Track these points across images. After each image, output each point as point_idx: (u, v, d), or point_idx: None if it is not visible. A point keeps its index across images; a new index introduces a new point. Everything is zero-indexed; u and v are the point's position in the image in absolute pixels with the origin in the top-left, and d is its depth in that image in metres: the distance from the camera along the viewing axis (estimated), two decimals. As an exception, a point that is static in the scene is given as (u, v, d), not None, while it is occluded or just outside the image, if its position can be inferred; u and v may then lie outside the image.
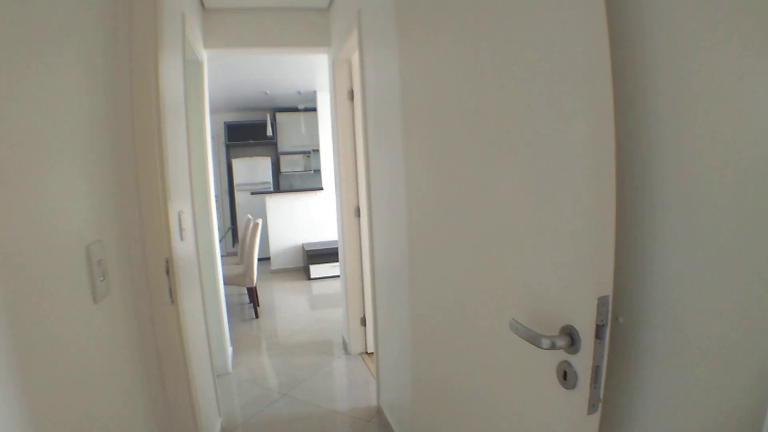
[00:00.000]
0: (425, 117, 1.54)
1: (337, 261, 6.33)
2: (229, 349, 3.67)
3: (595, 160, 0.81)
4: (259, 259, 5.30)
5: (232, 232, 8.54)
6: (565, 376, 0.94)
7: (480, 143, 1.17)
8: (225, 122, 8.19)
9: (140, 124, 1.34)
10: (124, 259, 1.28)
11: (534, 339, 0.94)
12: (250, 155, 8.38)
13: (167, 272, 1.40)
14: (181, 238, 2.05)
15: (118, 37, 1.33)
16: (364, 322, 3.70)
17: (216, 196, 8.42)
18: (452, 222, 1.37)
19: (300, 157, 8.44)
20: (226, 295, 5.57)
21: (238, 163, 8.13)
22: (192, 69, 3.16)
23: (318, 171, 8.04)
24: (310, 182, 8.58)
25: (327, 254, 6.38)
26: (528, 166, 0.99)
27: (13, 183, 0.78)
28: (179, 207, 2.07)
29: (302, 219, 6.96)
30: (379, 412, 2.85)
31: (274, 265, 7.00)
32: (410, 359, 2.06)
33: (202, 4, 3.26)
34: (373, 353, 3.72)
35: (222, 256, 5.55)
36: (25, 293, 0.79)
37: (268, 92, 6.89)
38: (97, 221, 1.12)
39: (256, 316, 4.81)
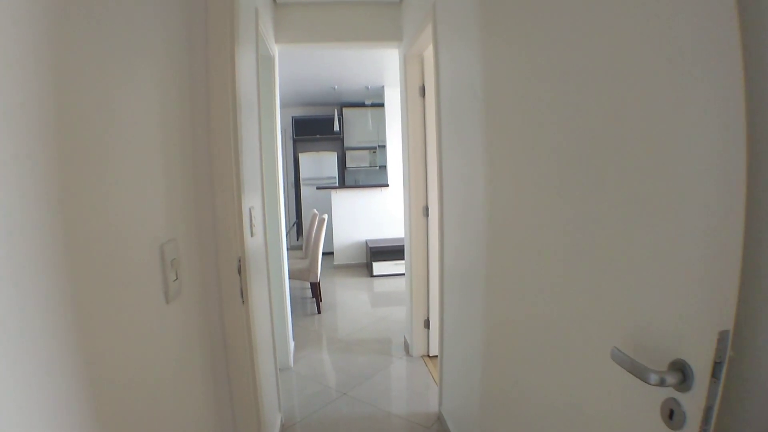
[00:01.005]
0: (515, 118, 1.42)
1: (400, 259, 6.28)
2: (291, 344, 3.68)
3: (723, 171, 0.68)
4: (323, 254, 5.34)
5: (297, 226, 8.67)
6: (671, 415, 0.82)
7: (580, 147, 1.05)
8: (293, 117, 8.31)
9: (216, 121, 1.32)
10: (196, 257, 1.26)
11: (640, 372, 0.82)
12: (317, 150, 8.46)
13: (239, 271, 1.38)
14: (252, 234, 2.04)
15: (194, 33, 1.31)
16: (427, 324, 3.62)
17: (283, 190, 8.63)
18: (544, 232, 1.26)
19: (366, 152, 8.44)
20: (290, 289, 5.67)
21: (304, 158, 8.24)
22: (264, 64, 3.17)
23: (383, 167, 8.01)
24: (375, 178, 8.56)
25: (390, 252, 6.33)
26: (639, 178, 0.87)
27: (90, 181, 0.75)
28: (251, 203, 2.06)
29: (366, 215, 6.96)
30: (440, 419, 2.76)
31: (337, 260, 7.04)
32: (480, 369, 1.95)
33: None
34: (435, 357, 3.64)
35: (287, 249, 5.62)
36: (99, 293, 0.76)
37: (336, 87, 6.92)
38: (172, 220, 1.10)
39: (318, 312, 4.83)
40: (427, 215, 3.40)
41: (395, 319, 4.60)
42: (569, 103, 1.09)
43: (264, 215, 2.46)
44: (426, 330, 3.65)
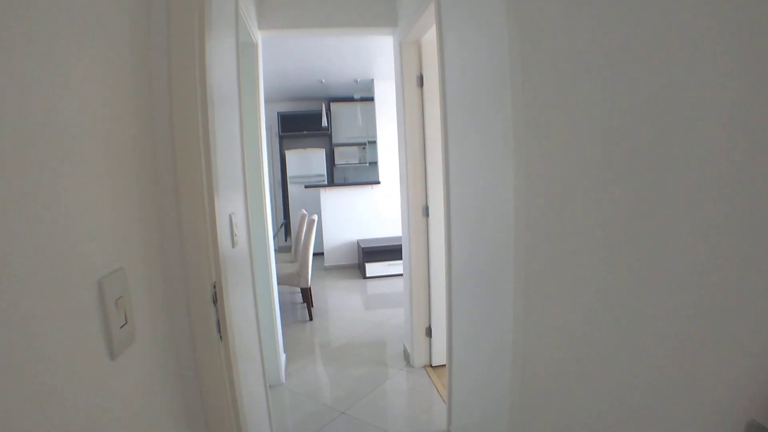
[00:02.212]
0: (566, 104, 1.15)
1: (394, 259, 6.01)
2: (282, 357, 3.40)
3: None
4: (313, 255, 5.03)
5: (285, 227, 8.36)
6: None
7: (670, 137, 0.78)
8: (278, 112, 7.98)
9: (180, 117, 1.02)
10: (158, 288, 0.97)
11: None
12: (304, 147, 8.14)
13: (214, 300, 1.09)
14: (233, 245, 1.76)
15: (152, 11, 1.01)
16: (429, 332, 3.34)
17: (270, 190, 8.30)
18: (612, 239, 0.99)
19: (355, 149, 8.13)
20: (279, 295, 5.36)
21: (291, 155, 7.91)
22: (246, 52, 2.87)
23: (374, 164, 7.71)
24: (365, 175, 8.27)
25: (383, 252, 6.05)
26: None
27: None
28: (231, 208, 1.78)
29: (357, 214, 6.67)
30: (450, 439, 2.50)
31: (328, 261, 6.75)
32: (508, 385, 1.66)
33: (258, -20, 2.97)
34: (439, 367, 3.37)
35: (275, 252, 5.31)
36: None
37: (324, 81, 6.61)
38: (120, 241, 0.81)
39: (310, 318, 4.54)
40: (428, 215, 3.13)
41: (393, 324, 4.32)
42: (652, 85, 0.82)
43: (248, 219, 2.17)
44: (428, 338, 3.38)
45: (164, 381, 0.97)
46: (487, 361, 1.89)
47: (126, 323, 0.78)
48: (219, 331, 1.10)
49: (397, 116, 3.35)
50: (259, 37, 3.01)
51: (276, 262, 4.73)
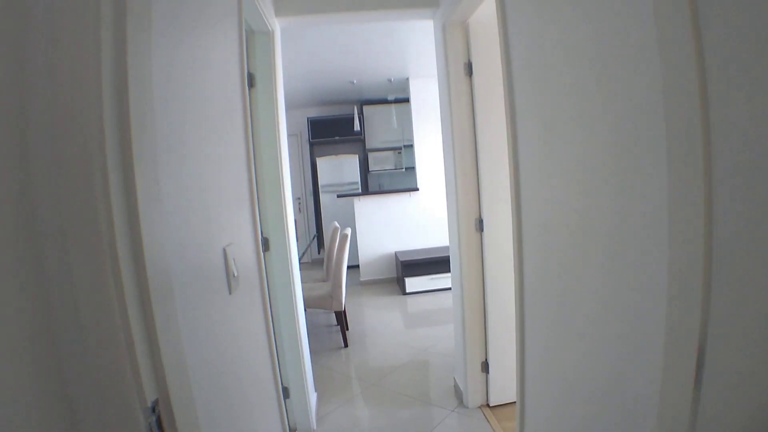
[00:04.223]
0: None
1: (436, 273, 5.48)
2: (313, 397, 2.91)
3: None
4: (348, 267, 4.52)
5: (317, 240, 7.93)
6: None
7: None
8: (308, 118, 7.56)
9: (72, 130, 0.55)
10: None
11: None
12: (336, 153, 7.70)
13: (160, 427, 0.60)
14: (230, 291, 1.28)
15: None
16: (486, 367, 2.80)
17: (299, 200, 7.90)
18: None
19: (390, 153, 7.63)
20: (308, 316, 4.88)
21: (322, 163, 7.47)
22: (259, 42, 2.41)
23: (411, 168, 7.20)
24: (402, 182, 7.76)
25: (424, 264, 5.52)
26: None
27: None
28: (226, 239, 1.30)
29: (395, 223, 6.16)
30: None
31: (364, 275, 6.26)
32: None
33: (273, -43, 2.51)
34: (498, 407, 2.82)
35: (301, 262, 4.85)
36: None
37: (355, 82, 6.14)
38: None
39: (345, 345, 4.04)
40: (482, 230, 2.59)
41: (439, 350, 3.78)
42: None
43: (257, 241, 1.69)
44: (484, 374, 2.83)
45: None
46: (580, 414, 1.34)
47: None
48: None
49: (441, 112, 2.83)
50: (276, 24, 2.55)
51: (304, 282, 4.27)
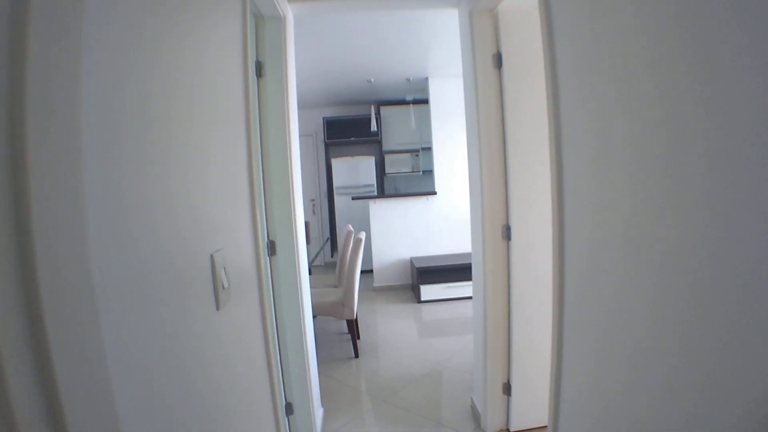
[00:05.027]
0: None
1: (453, 281, 5.25)
2: (319, 413, 2.70)
3: None
4: (361, 272, 4.28)
5: (331, 243, 7.73)
6: None
7: None
8: (324, 117, 7.37)
9: None
10: None
11: None
12: (352, 154, 7.50)
13: None
14: (218, 306, 1.07)
15: None
16: (508, 389, 2.56)
17: (313, 201, 7.71)
18: None
19: (408, 156, 7.41)
20: (318, 323, 4.67)
21: (338, 164, 7.27)
22: (269, 27, 2.21)
23: (428, 172, 6.97)
24: (419, 185, 7.54)
25: (440, 271, 5.28)
26: None
27: None
28: (215, 243, 1.09)
29: (411, 228, 5.93)
30: None
31: (378, 281, 6.03)
32: None
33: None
34: (520, 438, 2.59)
35: (314, 266, 4.66)
36: None
37: (373, 80, 5.94)
38: None
39: (356, 355, 3.82)
40: (510, 238, 2.35)
41: (455, 365, 3.54)
42: None
43: (258, 245, 1.48)
44: (505, 396, 2.59)
45: None
46: None
47: None
48: None
49: (466, 108, 2.60)
50: (288, 10, 2.34)
51: (315, 287, 4.05)
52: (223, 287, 1.07)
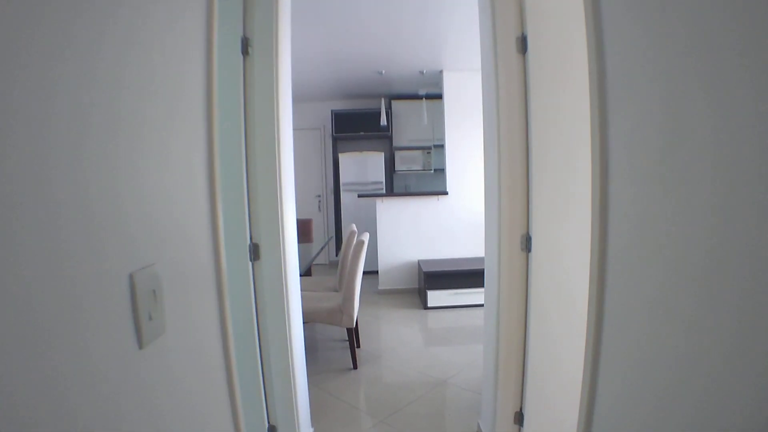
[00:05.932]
0: None
1: (461, 287, 4.95)
2: (309, 435, 2.42)
3: None
4: (364, 272, 3.98)
5: (336, 241, 7.45)
6: None
7: None
8: (332, 110, 7.09)
9: None
10: None
11: None
12: (360, 150, 7.21)
13: None
14: (141, 344, 0.78)
15: None
16: (520, 419, 2.26)
17: (319, 198, 7.43)
18: None
19: (419, 153, 7.10)
20: (315, 328, 4.37)
21: (345, 159, 6.98)
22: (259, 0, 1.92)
23: (440, 170, 6.67)
24: (430, 184, 7.24)
25: (449, 276, 4.98)
26: None
27: None
28: (140, 260, 0.80)
29: (420, 229, 5.63)
30: None
31: (383, 284, 5.74)
32: None
33: None
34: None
35: (317, 265, 4.40)
36: None
37: (384, 72, 5.63)
38: None
39: (354, 366, 3.53)
40: (530, 249, 2.04)
41: (462, 383, 3.24)
42: None
43: (219, 254, 1.19)
44: (517, 426, 2.29)
45: None
46: None
47: None
48: None
49: (484, 100, 2.29)
50: (285, -19, 2.05)
51: (313, 290, 3.74)
52: (149, 318, 0.78)
